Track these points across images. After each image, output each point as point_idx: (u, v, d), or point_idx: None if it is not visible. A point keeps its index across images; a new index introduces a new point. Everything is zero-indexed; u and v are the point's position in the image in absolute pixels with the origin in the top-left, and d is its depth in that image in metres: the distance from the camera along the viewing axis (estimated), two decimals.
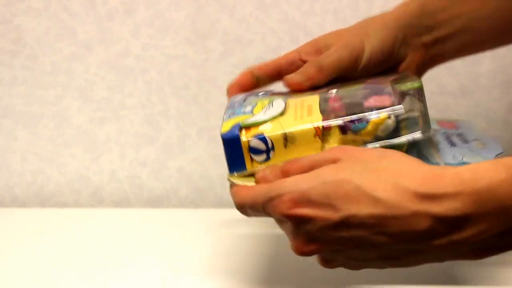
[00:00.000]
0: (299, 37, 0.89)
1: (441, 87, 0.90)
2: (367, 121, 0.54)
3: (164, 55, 0.90)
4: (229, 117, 0.58)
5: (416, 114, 0.55)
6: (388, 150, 0.53)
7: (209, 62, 0.90)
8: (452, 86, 0.90)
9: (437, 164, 0.56)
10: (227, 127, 0.57)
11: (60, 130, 0.93)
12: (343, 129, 0.55)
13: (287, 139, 0.55)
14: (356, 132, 0.54)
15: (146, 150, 0.93)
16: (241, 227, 0.82)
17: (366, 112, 0.55)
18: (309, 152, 0.55)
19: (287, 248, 0.55)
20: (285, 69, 0.65)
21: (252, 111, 0.58)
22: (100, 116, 0.92)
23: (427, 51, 0.65)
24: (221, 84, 0.89)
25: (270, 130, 0.56)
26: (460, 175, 0.48)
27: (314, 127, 0.55)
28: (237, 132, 0.56)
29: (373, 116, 0.54)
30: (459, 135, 0.63)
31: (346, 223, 0.49)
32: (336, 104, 0.57)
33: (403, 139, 0.54)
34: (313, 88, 0.62)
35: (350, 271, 0.55)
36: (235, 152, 0.56)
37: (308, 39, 0.67)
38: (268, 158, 0.56)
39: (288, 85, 0.63)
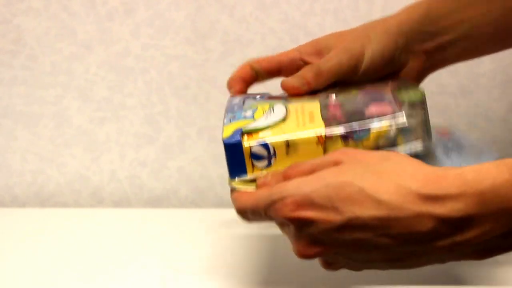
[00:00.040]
0: (299, 37, 0.89)
1: (441, 87, 0.90)
2: (369, 131, 0.55)
3: (164, 55, 0.90)
4: (230, 121, 0.58)
5: (417, 125, 0.55)
6: (390, 152, 0.53)
7: (209, 62, 0.90)
8: (452, 86, 0.90)
9: None
10: (228, 132, 0.57)
11: (60, 130, 0.93)
12: (345, 137, 0.55)
13: (290, 146, 0.55)
14: (357, 141, 0.55)
15: (146, 150, 0.93)
16: (241, 227, 0.82)
17: (367, 120, 0.55)
18: None
19: (287, 248, 0.55)
20: (285, 67, 0.65)
21: (253, 116, 0.58)
22: (100, 116, 0.92)
23: (428, 57, 0.65)
24: (221, 84, 0.89)
25: (272, 137, 0.56)
26: (463, 176, 0.48)
27: (317, 136, 0.55)
28: (239, 137, 0.56)
29: (375, 126, 0.54)
30: (454, 142, 0.63)
31: (349, 225, 0.49)
32: (337, 112, 0.57)
33: (404, 149, 0.54)
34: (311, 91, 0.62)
35: (350, 271, 0.55)
36: (236, 157, 0.56)
37: (308, 39, 0.67)
38: (269, 165, 0.56)
39: (285, 88, 0.62)
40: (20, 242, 0.82)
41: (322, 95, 0.60)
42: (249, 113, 0.59)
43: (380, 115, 0.55)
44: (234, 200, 0.56)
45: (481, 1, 0.64)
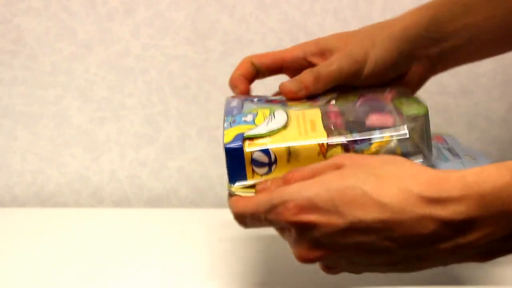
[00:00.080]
0: (299, 37, 0.89)
1: (441, 87, 0.90)
2: (370, 143, 0.55)
3: (164, 55, 0.90)
4: (230, 125, 0.58)
5: (419, 140, 0.55)
6: (391, 156, 0.53)
7: (209, 62, 0.90)
8: (452, 86, 0.90)
9: None
10: (230, 137, 0.57)
11: (60, 130, 0.93)
12: (346, 147, 0.55)
13: (291, 154, 0.55)
14: (358, 152, 0.55)
15: (146, 150, 0.93)
16: (241, 228, 0.82)
17: (369, 131, 0.55)
18: None
19: (287, 248, 0.55)
20: (288, 65, 0.65)
21: (254, 121, 0.58)
22: (100, 116, 0.92)
23: (431, 62, 0.65)
24: (221, 84, 0.89)
25: (274, 144, 0.56)
26: (464, 178, 0.48)
27: (319, 145, 0.55)
28: (240, 143, 0.56)
29: (377, 137, 0.55)
30: (449, 150, 0.63)
31: (353, 228, 0.49)
32: (338, 121, 0.57)
33: None
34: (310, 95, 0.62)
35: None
36: (237, 162, 0.56)
37: (308, 39, 0.67)
38: (269, 171, 0.56)
39: (283, 92, 0.62)
40: (20, 242, 0.82)
41: (321, 100, 0.61)
42: (249, 117, 0.59)
43: (381, 126, 0.55)
44: (232, 205, 0.55)
45: (485, 6, 0.64)
